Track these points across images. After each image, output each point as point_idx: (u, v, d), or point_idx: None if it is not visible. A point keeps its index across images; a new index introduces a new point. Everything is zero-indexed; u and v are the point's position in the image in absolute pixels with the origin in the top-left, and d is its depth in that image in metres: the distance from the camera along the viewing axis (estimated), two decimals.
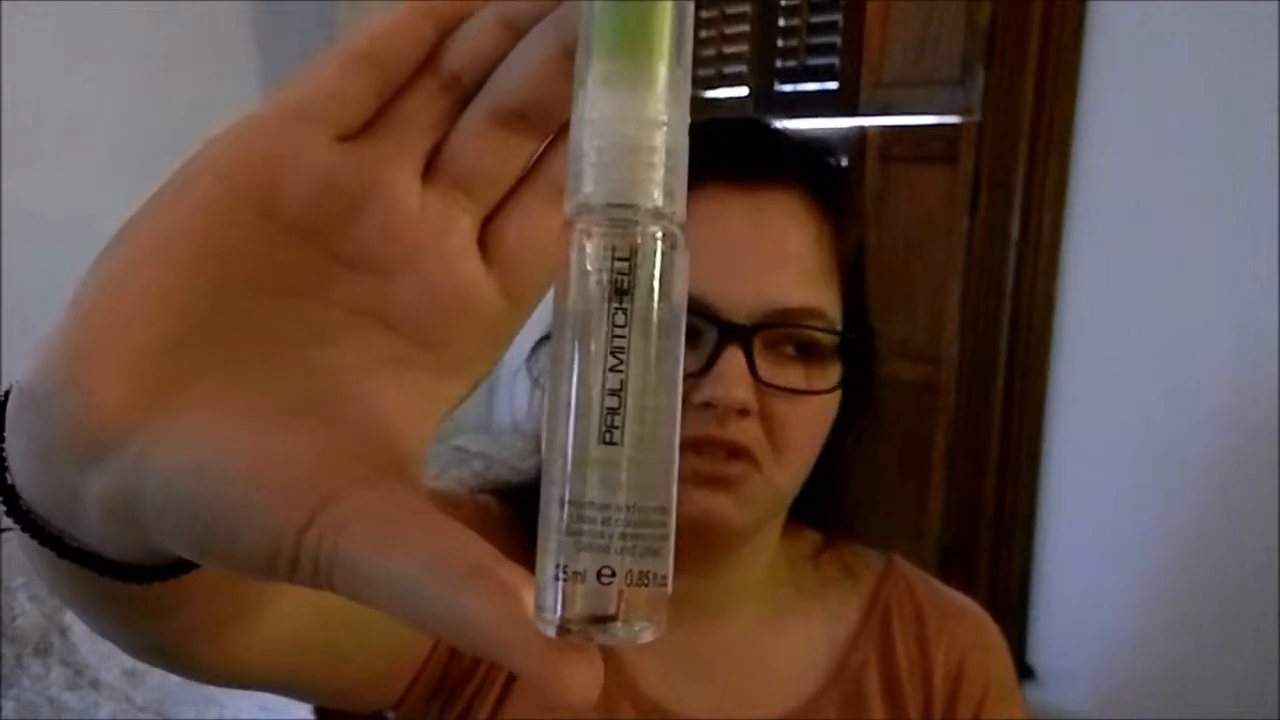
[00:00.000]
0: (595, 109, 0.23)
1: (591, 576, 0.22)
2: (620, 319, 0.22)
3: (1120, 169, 1.79)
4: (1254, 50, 1.61)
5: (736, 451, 0.65)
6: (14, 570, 2.04)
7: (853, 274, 0.72)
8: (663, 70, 0.23)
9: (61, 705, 1.86)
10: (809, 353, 0.68)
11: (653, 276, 0.23)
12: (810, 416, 0.69)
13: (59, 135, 2.05)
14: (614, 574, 0.22)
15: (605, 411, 0.22)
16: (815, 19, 2.21)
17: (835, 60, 2.17)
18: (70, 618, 1.95)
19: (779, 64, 2.27)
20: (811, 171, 0.70)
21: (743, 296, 0.65)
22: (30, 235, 1.94)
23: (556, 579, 0.22)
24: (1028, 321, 1.90)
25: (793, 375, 0.67)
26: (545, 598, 0.22)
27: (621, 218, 0.23)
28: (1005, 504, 1.94)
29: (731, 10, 2.32)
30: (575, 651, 0.22)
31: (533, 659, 0.22)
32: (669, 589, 0.23)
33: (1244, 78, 1.63)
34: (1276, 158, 1.59)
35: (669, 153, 0.23)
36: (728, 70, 2.33)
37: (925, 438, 2.02)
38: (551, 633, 0.22)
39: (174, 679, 1.83)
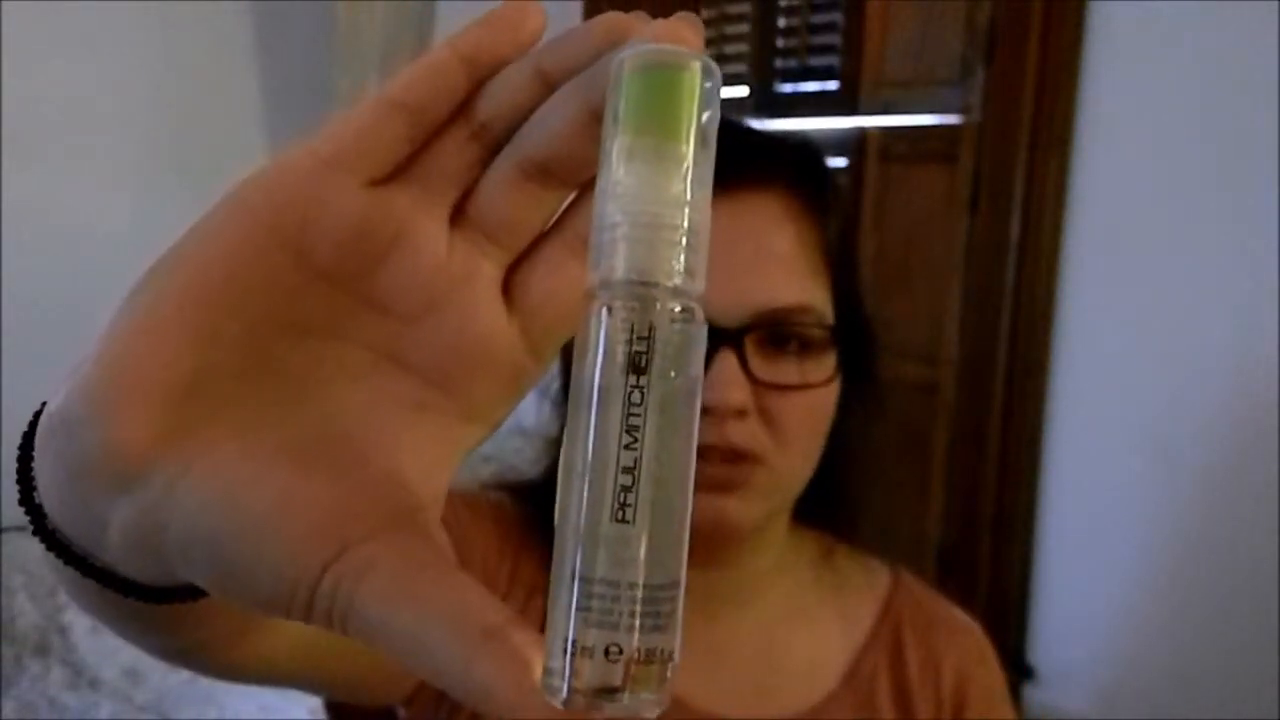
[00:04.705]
0: (619, 183, 0.23)
1: (599, 652, 0.22)
2: (636, 397, 0.22)
3: (1120, 169, 1.79)
4: (1254, 50, 1.61)
5: (737, 455, 0.66)
6: (14, 570, 2.04)
7: (841, 265, 0.72)
8: (688, 148, 0.23)
9: (61, 705, 1.86)
10: (802, 347, 0.68)
11: (670, 355, 0.23)
12: (809, 409, 0.69)
13: (59, 135, 2.04)
14: (621, 651, 0.22)
15: (618, 489, 0.22)
16: (815, 19, 2.21)
17: (835, 60, 2.17)
18: (70, 617, 1.95)
19: (779, 64, 2.27)
20: (788, 169, 0.71)
21: (729, 300, 0.66)
22: (30, 235, 1.94)
23: (565, 651, 0.23)
24: (1028, 321, 1.90)
25: (787, 370, 0.67)
26: (553, 666, 0.23)
27: (642, 295, 0.23)
28: (1005, 504, 1.95)
29: (731, 10, 2.32)
30: None
31: None
32: (676, 662, 0.23)
33: (1244, 78, 1.63)
34: (1276, 158, 1.58)
35: (691, 230, 0.24)
36: (728, 70, 2.32)
37: (925, 438, 2.03)
38: (558, 702, 0.22)
39: (174, 679, 1.84)
